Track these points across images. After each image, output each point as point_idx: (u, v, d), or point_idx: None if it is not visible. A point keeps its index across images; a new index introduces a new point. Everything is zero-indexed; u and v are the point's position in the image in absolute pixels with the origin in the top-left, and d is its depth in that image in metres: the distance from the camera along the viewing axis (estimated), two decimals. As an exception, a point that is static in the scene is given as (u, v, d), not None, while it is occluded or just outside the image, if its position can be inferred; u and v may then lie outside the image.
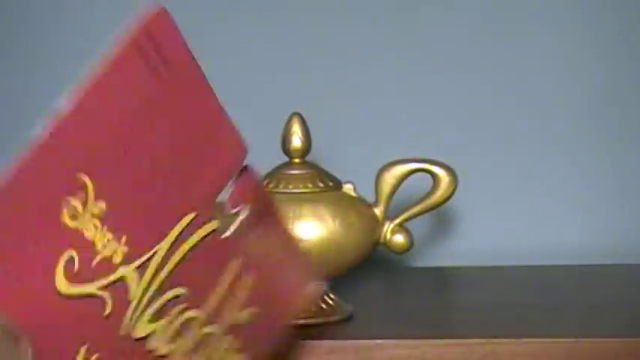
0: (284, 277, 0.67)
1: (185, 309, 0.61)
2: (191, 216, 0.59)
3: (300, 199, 0.86)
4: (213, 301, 0.62)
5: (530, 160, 1.12)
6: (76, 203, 0.53)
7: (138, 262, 0.56)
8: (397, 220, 0.88)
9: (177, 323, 0.61)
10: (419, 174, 0.88)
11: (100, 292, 0.55)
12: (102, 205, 0.54)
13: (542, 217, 1.12)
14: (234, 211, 0.62)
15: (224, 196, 0.62)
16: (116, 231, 0.55)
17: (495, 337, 0.81)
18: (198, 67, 0.59)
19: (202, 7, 1.12)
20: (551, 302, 0.93)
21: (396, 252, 0.88)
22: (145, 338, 0.59)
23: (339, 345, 0.82)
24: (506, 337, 0.81)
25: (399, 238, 0.88)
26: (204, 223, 0.60)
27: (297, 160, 0.88)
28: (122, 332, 0.57)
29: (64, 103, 0.54)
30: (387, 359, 0.81)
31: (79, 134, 0.53)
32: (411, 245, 0.88)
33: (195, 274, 0.60)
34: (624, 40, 1.11)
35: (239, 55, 1.12)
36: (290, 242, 0.68)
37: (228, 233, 0.62)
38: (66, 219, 0.53)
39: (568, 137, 1.12)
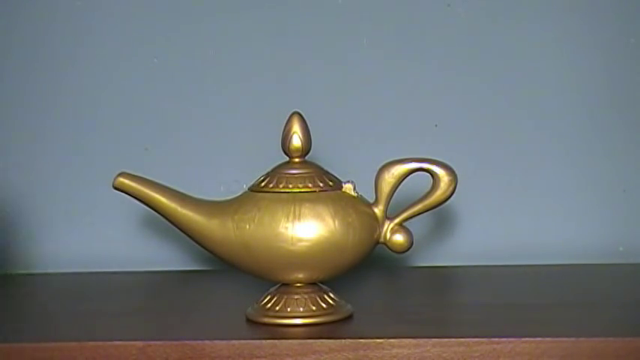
0: None
1: None
2: None
3: (300, 198, 0.86)
4: None
5: (529, 160, 1.12)
6: None
7: None
8: (397, 220, 0.88)
9: None
10: (419, 173, 0.88)
11: None
12: None
13: (541, 217, 1.12)
14: None
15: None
16: None
17: (495, 337, 0.81)
18: None
19: (203, 7, 1.12)
20: (551, 302, 0.93)
21: (395, 251, 0.88)
22: None
23: (339, 345, 0.82)
24: (506, 337, 0.81)
25: (399, 238, 0.88)
26: None
27: (297, 160, 0.88)
28: None
29: None
30: (387, 359, 0.81)
31: None
32: (410, 245, 0.88)
33: None
34: (624, 39, 1.11)
35: (239, 55, 1.12)
36: None
37: None
38: None
39: (568, 137, 1.12)
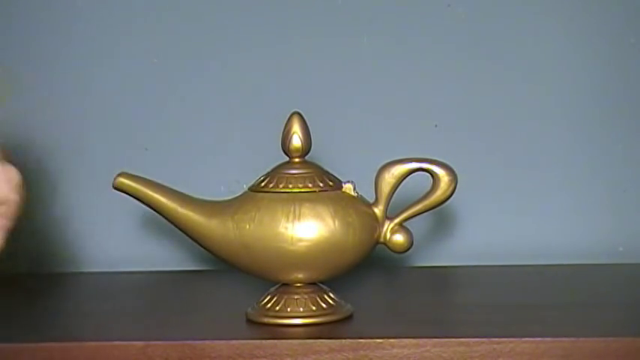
0: None
1: None
2: None
3: (300, 198, 0.86)
4: None
5: (529, 160, 1.12)
6: None
7: None
8: (397, 220, 0.88)
9: None
10: (419, 173, 0.88)
11: None
12: None
13: (541, 217, 1.12)
14: None
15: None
16: None
17: (495, 337, 0.81)
18: None
19: (203, 7, 1.12)
20: (551, 302, 0.93)
21: (395, 251, 0.88)
22: None
23: (339, 345, 0.82)
24: (506, 337, 0.81)
25: (399, 238, 0.88)
26: None
27: (297, 160, 0.88)
28: None
29: None
30: (387, 359, 0.81)
31: None
32: (410, 245, 0.88)
33: None
34: (624, 39, 1.11)
35: (239, 55, 1.12)
36: None
37: None
38: None
39: (568, 137, 1.12)
